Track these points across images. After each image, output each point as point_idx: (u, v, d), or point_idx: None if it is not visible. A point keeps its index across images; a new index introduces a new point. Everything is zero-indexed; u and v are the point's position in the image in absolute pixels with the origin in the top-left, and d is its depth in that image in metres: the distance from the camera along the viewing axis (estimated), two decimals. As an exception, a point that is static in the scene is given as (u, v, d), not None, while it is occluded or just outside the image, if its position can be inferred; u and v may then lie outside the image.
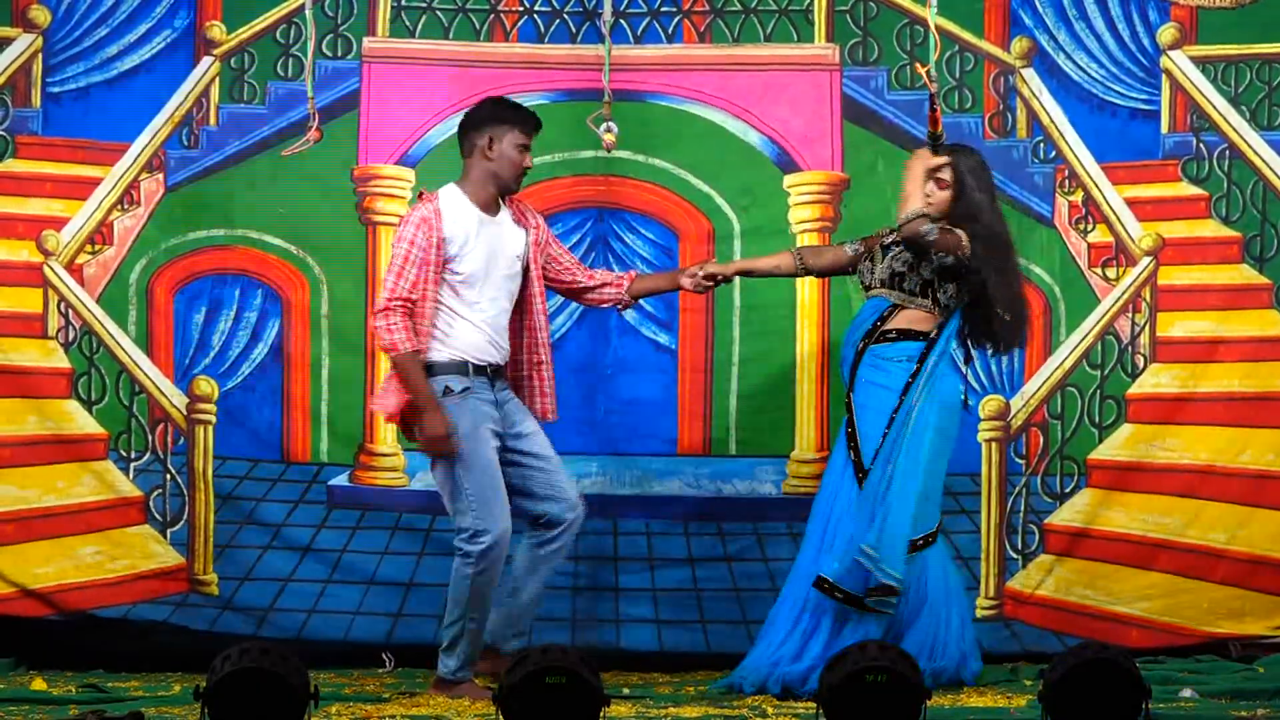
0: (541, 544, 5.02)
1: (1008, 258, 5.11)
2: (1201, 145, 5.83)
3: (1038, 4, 5.85)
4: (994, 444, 5.79)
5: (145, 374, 5.82)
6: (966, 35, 5.84)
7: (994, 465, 5.79)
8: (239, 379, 5.85)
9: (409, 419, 4.98)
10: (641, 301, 5.83)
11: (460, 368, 4.96)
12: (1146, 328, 5.83)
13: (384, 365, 5.81)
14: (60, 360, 5.82)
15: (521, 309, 5.09)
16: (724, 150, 5.84)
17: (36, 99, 5.83)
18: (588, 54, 5.78)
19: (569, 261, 5.24)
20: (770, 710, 4.74)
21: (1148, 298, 5.84)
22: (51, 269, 5.82)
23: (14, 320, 5.81)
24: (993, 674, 5.24)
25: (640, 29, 5.87)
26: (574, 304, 5.84)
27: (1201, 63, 5.82)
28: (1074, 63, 5.86)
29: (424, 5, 5.89)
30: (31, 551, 5.73)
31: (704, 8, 5.87)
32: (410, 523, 5.83)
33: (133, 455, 5.81)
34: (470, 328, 4.98)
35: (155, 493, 5.82)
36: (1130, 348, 5.84)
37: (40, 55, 5.83)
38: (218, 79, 5.86)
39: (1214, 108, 5.81)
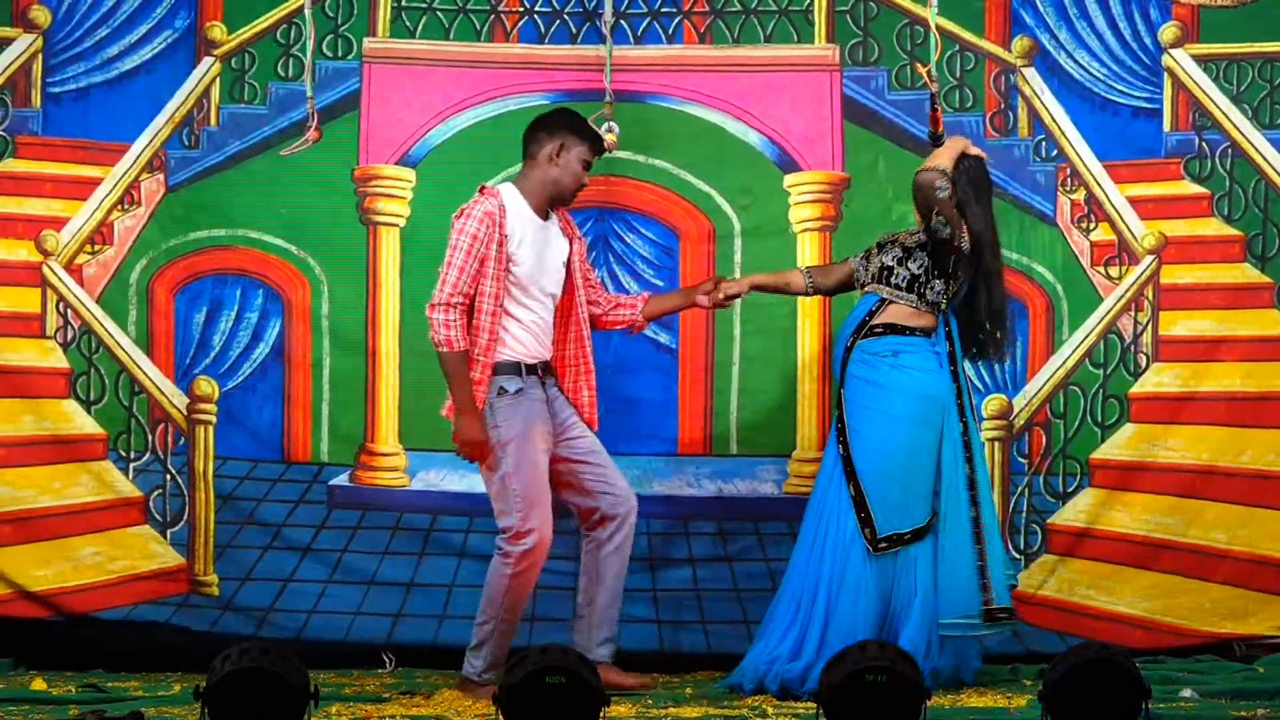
0: (601, 545, 5.04)
1: (992, 268, 5.12)
2: (1203, 144, 5.83)
3: (1039, 3, 5.84)
4: (996, 443, 5.78)
5: (145, 374, 5.82)
6: (967, 35, 5.84)
7: (996, 464, 5.79)
8: (239, 379, 5.85)
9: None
10: (641, 301, 5.86)
11: (514, 368, 4.98)
12: (1149, 327, 5.83)
13: (385, 367, 5.83)
14: (58, 360, 5.82)
15: (566, 320, 5.11)
16: (724, 150, 5.84)
17: (37, 99, 5.83)
18: (588, 54, 5.78)
19: (593, 282, 5.28)
20: (770, 710, 4.73)
21: (1150, 296, 5.83)
22: (50, 269, 5.82)
23: (12, 320, 5.82)
24: (993, 674, 5.23)
25: (640, 29, 5.87)
26: (574, 303, 5.86)
27: (1203, 61, 5.82)
28: (1075, 61, 5.85)
29: (424, 6, 5.89)
30: (30, 553, 5.73)
31: (704, 8, 5.87)
32: (411, 523, 5.82)
33: (132, 455, 5.81)
34: (522, 329, 5.00)
35: (155, 493, 5.82)
36: (1133, 347, 5.83)
37: (40, 55, 5.83)
38: (218, 79, 5.86)
39: (1216, 106, 5.81)
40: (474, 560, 5.79)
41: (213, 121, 5.86)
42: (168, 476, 5.81)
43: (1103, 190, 5.83)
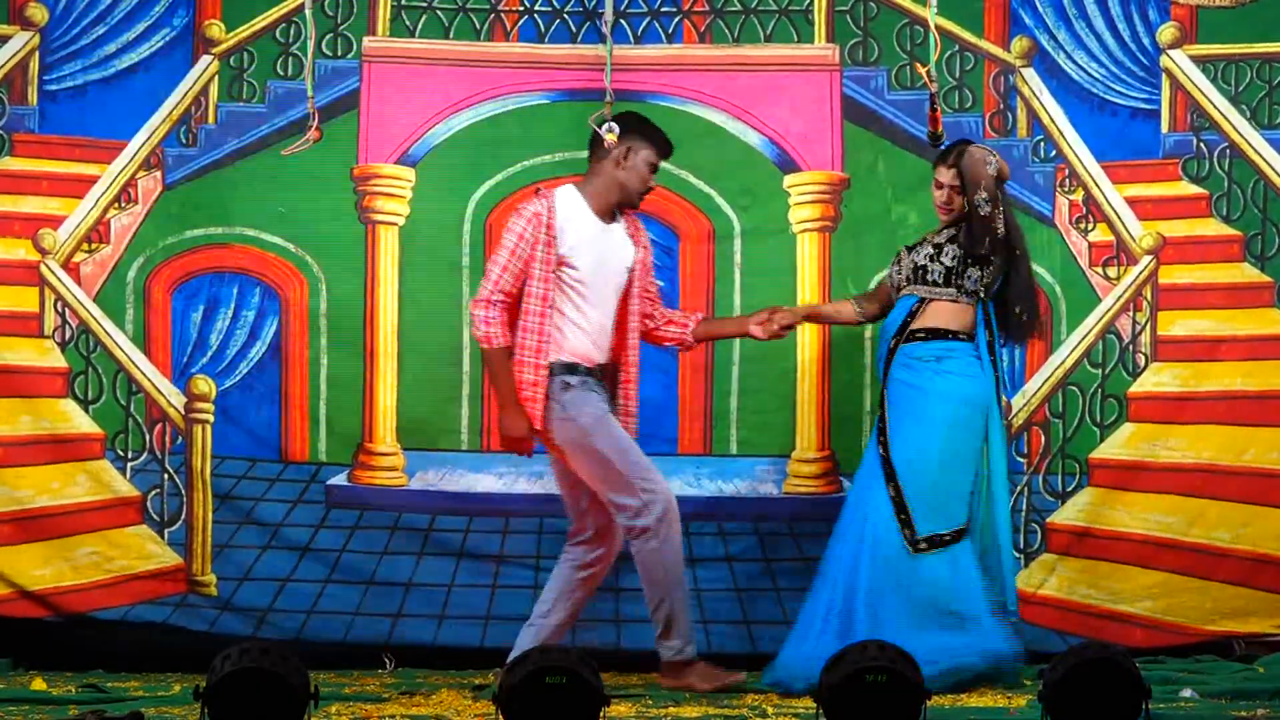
0: (582, 565, 5.06)
1: (1024, 254, 5.21)
2: (1202, 144, 5.83)
3: (1038, 3, 5.85)
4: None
5: (143, 373, 5.81)
6: (966, 35, 5.84)
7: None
8: (237, 378, 5.84)
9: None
10: (642, 301, 5.86)
11: (571, 369, 5.00)
12: (1147, 327, 5.83)
13: (384, 366, 5.83)
14: (56, 359, 5.81)
15: (622, 326, 5.11)
16: (724, 150, 5.84)
17: (33, 97, 5.82)
18: (588, 54, 5.78)
19: (653, 293, 5.27)
20: (770, 710, 4.73)
21: (1149, 297, 5.84)
22: (48, 267, 5.81)
23: (10, 319, 5.80)
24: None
25: (640, 29, 5.87)
26: (574, 302, 5.85)
27: (1201, 62, 5.82)
28: (1074, 62, 5.86)
29: (424, 5, 5.88)
30: (28, 552, 5.71)
31: (704, 8, 5.87)
32: (409, 522, 5.82)
33: (130, 455, 5.80)
34: (580, 332, 5.01)
35: (153, 492, 5.81)
36: (1131, 347, 5.84)
37: (37, 53, 5.82)
38: (216, 77, 5.85)
39: (1214, 107, 5.81)
40: (473, 560, 5.80)
41: (210, 120, 5.85)
42: (165, 476, 5.80)
43: (1101, 191, 5.84)
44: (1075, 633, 5.65)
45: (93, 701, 4.85)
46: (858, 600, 5.03)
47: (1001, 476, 5.16)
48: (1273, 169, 5.81)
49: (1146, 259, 5.84)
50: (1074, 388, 5.84)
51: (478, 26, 5.89)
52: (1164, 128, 5.85)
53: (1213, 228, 5.83)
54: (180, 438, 5.81)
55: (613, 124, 5.17)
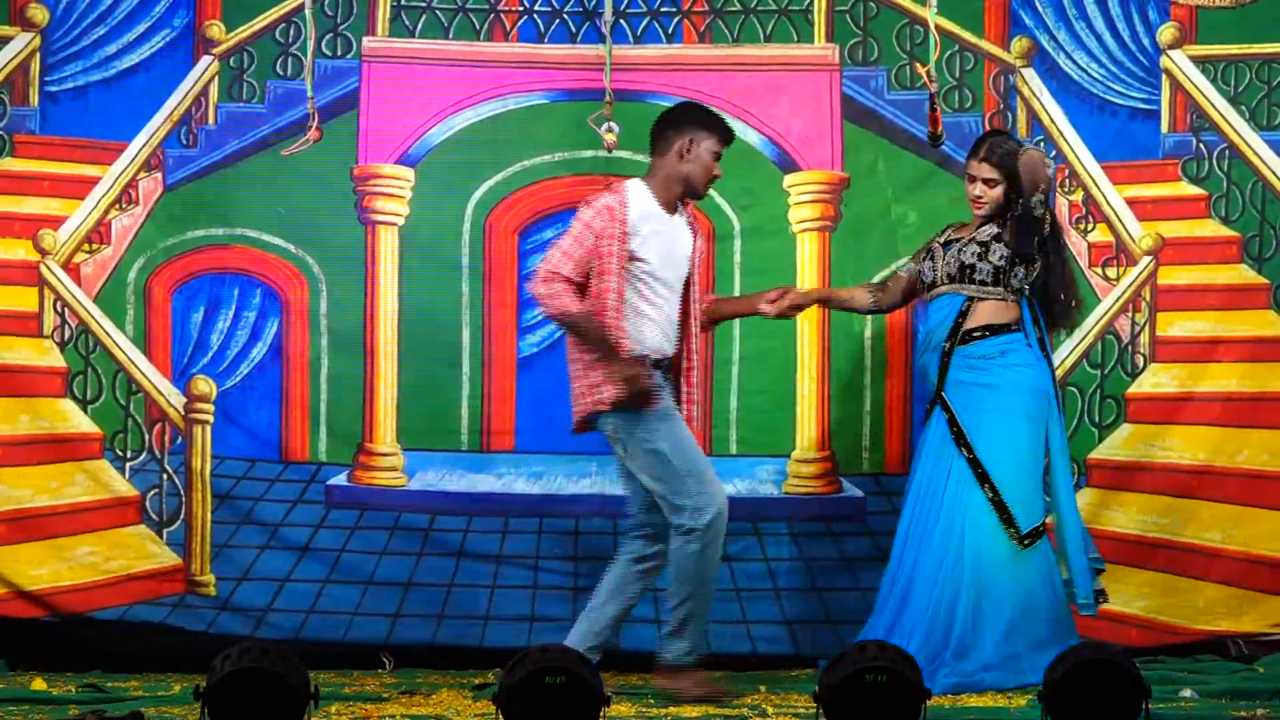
0: (639, 559, 5.03)
1: (1065, 246, 5.27)
2: (1201, 145, 5.84)
3: (1037, 4, 5.85)
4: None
5: (143, 373, 5.81)
6: (966, 35, 5.85)
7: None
8: (237, 378, 5.84)
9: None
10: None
11: (641, 361, 4.96)
12: (1146, 327, 5.84)
13: (384, 366, 5.83)
14: (55, 359, 5.81)
15: (685, 316, 5.08)
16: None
17: (34, 98, 5.82)
18: (587, 54, 5.78)
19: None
20: (770, 710, 4.74)
21: (1147, 297, 5.84)
22: (47, 268, 5.81)
23: (9, 319, 5.80)
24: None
25: (640, 29, 5.87)
26: (573, 302, 5.85)
27: (1201, 62, 5.83)
28: (1074, 62, 5.86)
29: (424, 5, 5.88)
30: (26, 552, 5.71)
31: (704, 8, 5.87)
32: (409, 522, 5.82)
33: (129, 455, 5.80)
34: (649, 324, 4.98)
35: (152, 492, 5.81)
36: (1130, 347, 5.84)
37: (38, 54, 5.82)
38: (217, 78, 5.86)
39: (1214, 107, 5.82)
40: (472, 560, 5.80)
41: (211, 120, 5.85)
42: (164, 476, 5.80)
43: (1100, 191, 5.84)
44: (1072, 632, 5.66)
45: (93, 701, 4.85)
46: (960, 608, 5.00)
47: (1066, 465, 5.18)
48: (1271, 170, 5.81)
49: (1146, 260, 5.85)
50: (1073, 388, 5.84)
51: (477, 26, 5.89)
52: (1163, 128, 5.85)
53: (1211, 229, 5.84)
54: (180, 438, 5.81)
55: (612, 124, 5.18)
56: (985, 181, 5.16)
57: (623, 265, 4.90)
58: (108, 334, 5.81)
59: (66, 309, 5.81)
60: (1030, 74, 5.85)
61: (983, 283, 5.14)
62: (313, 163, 5.72)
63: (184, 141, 5.85)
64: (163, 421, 5.82)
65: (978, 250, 5.16)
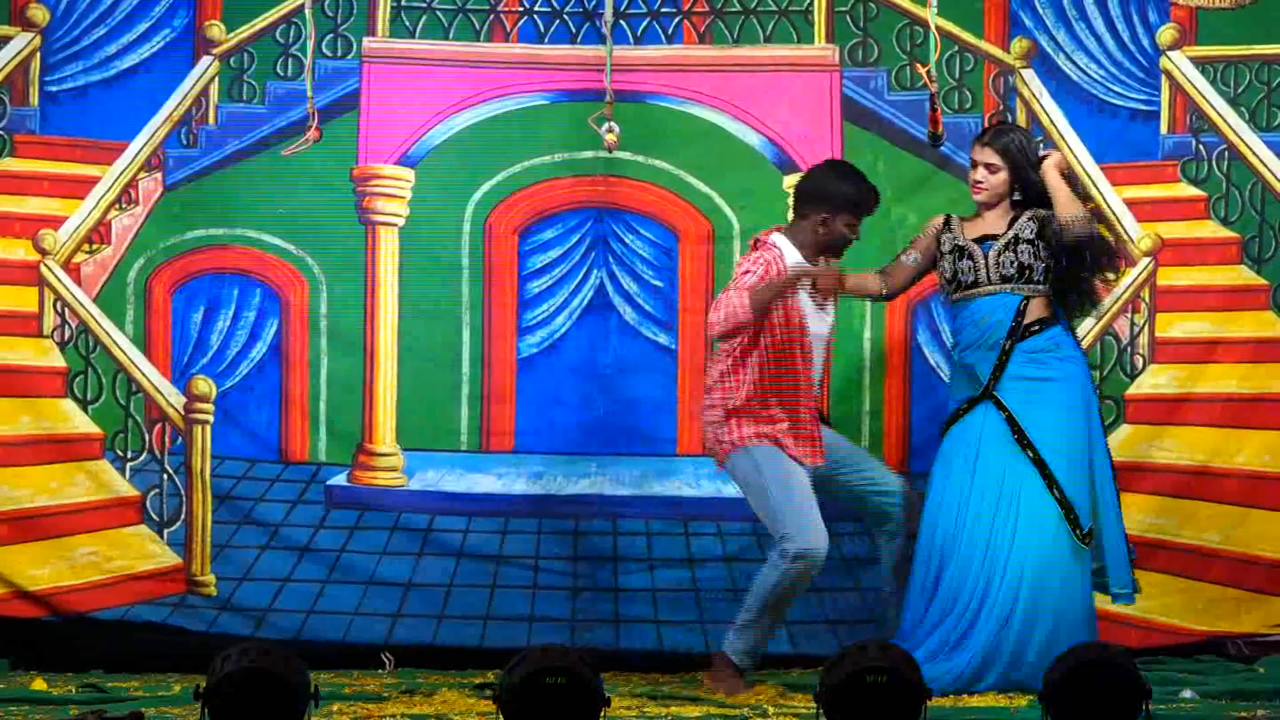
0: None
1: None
2: (1200, 146, 5.84)
3: (1037, 4, 5.86)
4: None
5: (143, 373, 5.81)
6: (966, 36, 5.85)
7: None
8: (237, 378, 5.85)
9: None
10: (641, 302, 5.86)
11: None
12: (1145, 328, 5.84)
13: (384, 366, 5.84)
14: (56, 359, 5.81)
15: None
16: (724, 151, 5.84)
17: (34, 98, 5.82)
18: (587, 54, 5.78)
19: None
20: (771, 710, 4.75)
21: (1147, 298, 5.85)
22: (48, 268, 5.81)
23: (9, 319, 5.80)
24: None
25: (640, 29, 5.87)
26: (574, 303, 5.88)
27: (1201, 63, 5.83)
28: (1073, 63, 5.87)
29: (424, 5, 5.89)
30: (27, 552, 5.71)
31: (704, 8, 5.87)
32: (409, 522, 5.82)
33: (129, 455, 5.80)
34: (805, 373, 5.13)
35: (152, 492, 5.81)
36: (1129, 348, 5.84)
37: (38, 54, 5.82)
38: (217, 78, 5.86)
39: (1213, 108, 5.82)
40: (472, 560, 5.80)
41: (211, 120, 5.85)
42: (165, 476, 5.81)
43: (1100, 192, 5.84)
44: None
45: (93, 701, 4.85)
46: (1017, 610, 4.99)
47: (1105, 450, 5.22)
48: (1271, 171, 5.81)
49: (1145, 261, 5.85)
50: (1072, 389, 5.84)
51: (477, 27, 5.89)
52: (1163, 129, 5.85)
53: (1210, 230, 5.84)
54: (180, 438, 5.81)
55: (613, 124, 5.18)
56: (986, 166, 5.17)
57: (782, 320, 5.06)
58: (108, 334, 5.81)
59: (67, 309, 5.81)
60: (1030, 75, 5.85)
61: (1038, 283, 5.17)
62: (313, 163, 5.72)
63: (184, 141, 5.85)
64: (163, 421, 5.82)
65: (1030, 249, 5.16)
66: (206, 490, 5.79)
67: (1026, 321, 5.16)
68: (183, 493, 5.80)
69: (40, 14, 5.82)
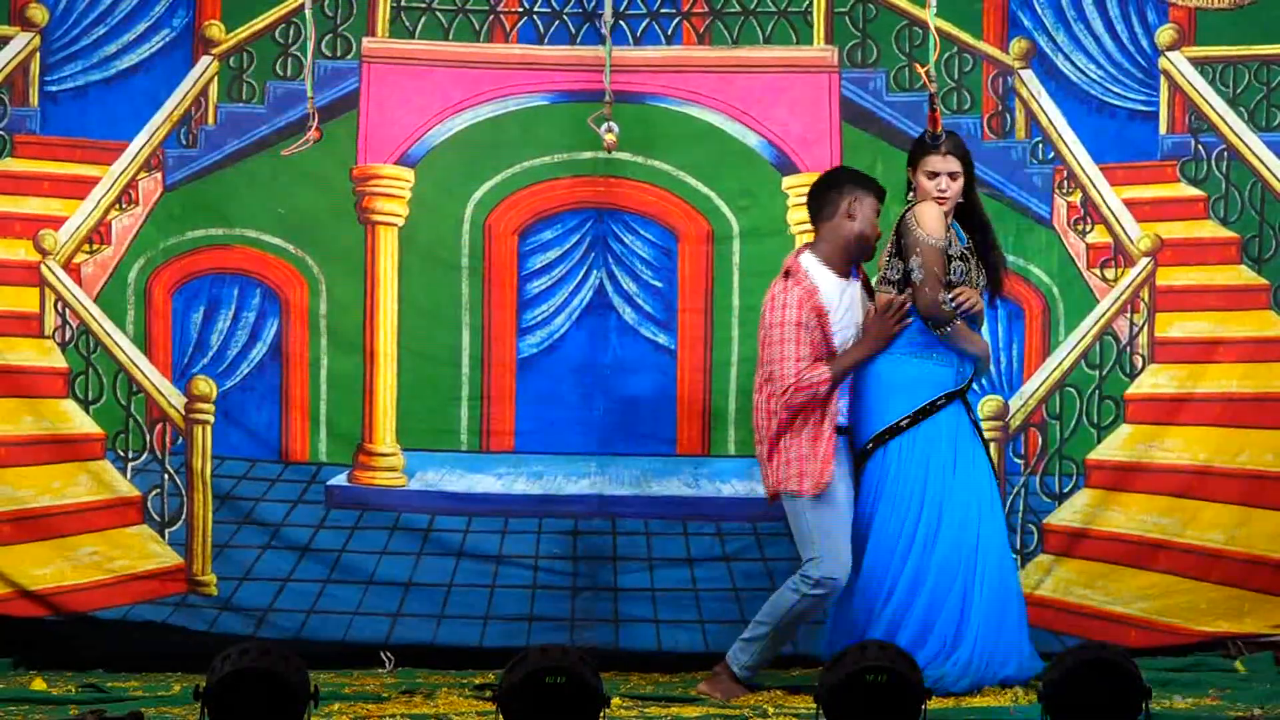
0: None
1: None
2: (1200, 146, 5.84)
3: (1036, 5, 5.86)
4: (993, 444, 5.79)
5: (143, 373, 5.82)
6: (965, 36, 5.85)
7: (993, 465, 5.79)
8: (237, 379, 5.85)
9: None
10: (640, 302, 5.87)
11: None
12: (1145, 328, 5.84)
13: (384, 366, 5.84)
14: (57, 360, 5.82)
15: None
16: (723, 151, 5.84)
17: (34, 98, 5.82)
18: (587, 55, 5.79)
19: None
20: (771, 710, 4.75)
21: (1146, 298, 5.85)
22: (48, 268, 5.82)
23: (10, 320, 5.81)
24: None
25: (640, 30, 5.88)
26: (573, 304, 5.88)
27: (1200, 64, 5.83)
28: (1072, 64, 5.87)
29: (424, 6, 5.89)
30: (29, 552, 5.72)
31: (703, 9, 5.88)
32: (409, 522, 5.83)
33: (130, 455, 5.81)
34: (838, 393, 5.10)
35: (153, 492, 5.82)
36: (1129, 348, 5.85)
37: (38, 54, 5.83)
38: (216, 78, 5.86)
39: (1212, 109, 5.82)
40: (472, 560, 5.81)
41: (211, 120, 5.85)
42: (166, 476, 5.81)
43: (1099, 192, 5.85)
44: (1070, 633, 5.66)
45: (93, 701, 4.86)
46: (971, 613, 5.03)
47: None
48: (1270, 171, 5.82)
49: (1144, 261, 5.85)
50: (1071, 389, 5.85)
51: (477, 28, 5.89)
52: (1162, 129, 5.86)
53: (1210, 230, 5.85)
54: (180, 438, 5.81)
55: (612, 124, 5.19)
56: (950, 175, 5.16)
57: (818, 345, 5.05)
58: (108, 334, 5.81)
59: (68, 309, 5.82)
60: (1029, 75, 5.85)
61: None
62: (313, 163, 5.73)
63: (184, 141, 5.85)
64: (163, 422, 5.83)
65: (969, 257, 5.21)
66: (207, 490, 5.80)
67: None
68: (183, 493, 5.80)
69: (40, 14, 5.83)
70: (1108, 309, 5.84)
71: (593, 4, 5.81)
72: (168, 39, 5.85)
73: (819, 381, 5.01)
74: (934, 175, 5.14)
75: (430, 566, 5.78)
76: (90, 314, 5.82)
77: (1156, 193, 5.86)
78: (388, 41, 5.87)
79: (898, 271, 5.13)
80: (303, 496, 5.82)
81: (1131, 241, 5.85)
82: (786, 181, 5.86)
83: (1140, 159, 5.86)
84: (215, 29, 5.85)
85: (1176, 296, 5.84)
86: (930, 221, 5.07)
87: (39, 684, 5.19)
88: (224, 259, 5.86)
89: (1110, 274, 5.87)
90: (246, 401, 5.83)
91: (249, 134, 5.84)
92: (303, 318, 5.84)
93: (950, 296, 5.07)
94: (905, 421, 5.09)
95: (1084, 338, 5.84)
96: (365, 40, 5.86)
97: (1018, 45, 5.86)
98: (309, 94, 5.41)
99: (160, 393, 5.82)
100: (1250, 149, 5.82)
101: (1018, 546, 5.81)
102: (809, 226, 5.85)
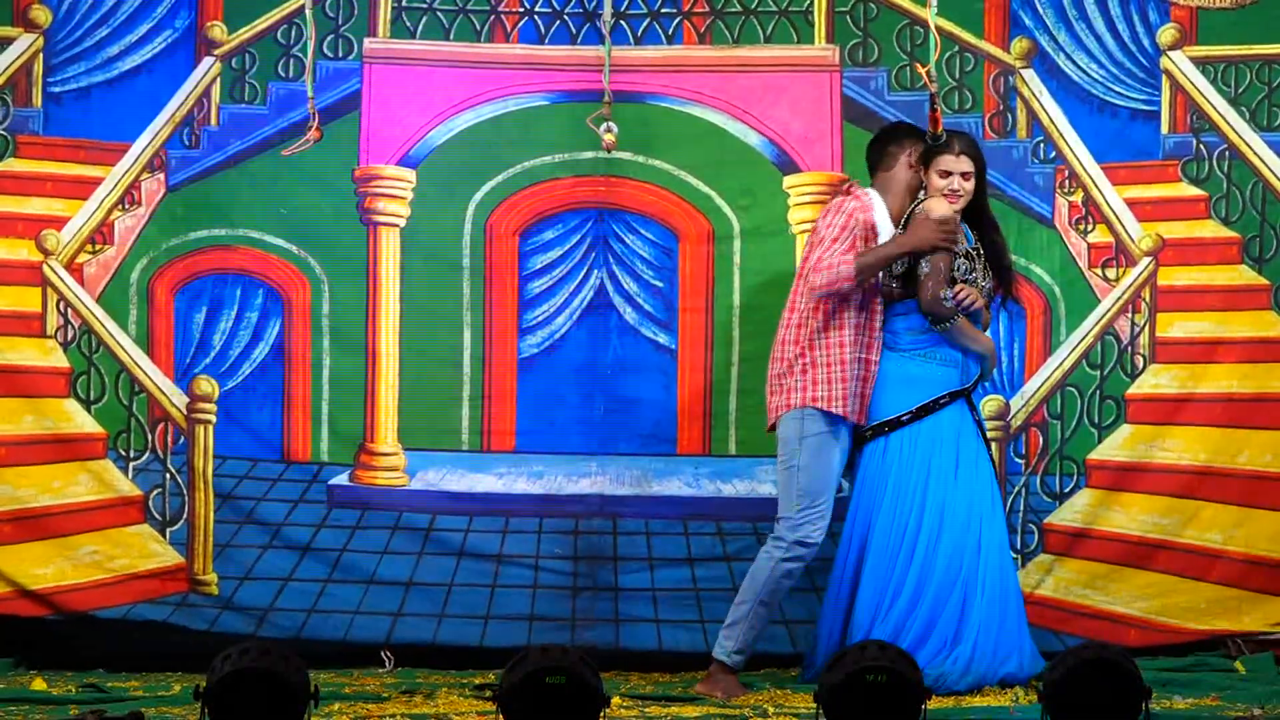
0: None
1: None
2: (1201, 146, 5.84)
3: (1038, 4, 5.86)
4: (994, 444, 5.79)
5: (145, 373, 5.83)
6: (966, 36, 5.85)
7: (994, 465, 5.79)
8: (239, 378, 5.86)
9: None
10: (641, 302, 5.87)
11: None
12: (1146, 328, 5.84)
13: (385, 366, 5.85)
14: (59, 359, 5.83)
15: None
16: (724, 151, 5.84)
17: (37, 98, 5.83)
18: (588, 55, 5.79)
19: None
20: (771, 710, 4.75)
21: (1147, 298, 5.85)
22: (50, 268, 5.83)
23: (12, 319, 5.82)
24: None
25: (640, 30, 5.88)
26: (574, 303, 5.88)
27: (1201, 63, 5.83)
28: (1074, 63, 5.87)
29: (425, 6, 5.89)
30: (29, 551, 5.73)
31: (704, 9, 5.88)
32: (410, 522, 5.83)
33: (132, 455, 5.82)
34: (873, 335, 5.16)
35: (155, 492, 5.82)
36: (1130, 348, 5.84)
37: (41, 55, 5.83)
38: (218, 79, 5.87)
39: (1214, 108, 5.82)
40: (473, 560, 5.81)
41: (213, 121, 5.86)
42: (167, 476, 5.82)
43: (1100, 192, 5.84)
44: (1070, 632, 5.66)
45: (93, 701, 4.86)
46: (972, 612, 5.03)
47: None
48: (1271, 171, 5.81)
49: (1145, 260, 5.85)
50: (1072, 389, 5.85)
51: (478, 28, 5.90)
52: (1163, 129, 5.85)
53: (1211, 229, 5.84)
54: (182, 438, 5.82)
55: (611, 124, 5.19)
56: (963, 175, 5.17)
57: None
58: (111, 334, 5.82)
59: (70, 309, 5.83)
60: (1030, 75, 5.85)
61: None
62: (314, 164, 5.73)
63: (186, 142, 5.86)
64: (165, 421, 5.83)
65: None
66: (209, 490, 5.81)
67: None
68: (185, 492, 5.81)
69: (43, 15, 5.84)
70: (1109, 309, 5.84)
71: (593, 4, 5.81)
72: (170, 40, 5.86)
73: (842, 263, 5.00)
74: (947, 174, 5.16)
75: (431, 566, 5.78)
76: (92, 314, 5.83)
77: (1158, 192, 5.85)
78: (389, 42, 5.88)
79: (903, 265, 5.14)
80: (304, 496, 5.83)
81: (1133, 241, 5.85)
82: (787, 181, 5.86)
83: (1142, 158, 5.86)
84: (217, 30, 5.86)
85: (1178, 296, 5.83)
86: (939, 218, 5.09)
87: (39, 684, 5.19)
88: (226, 259, 5.86)
89: (1111, 274, 5.86)
90: (248, 401, 5.84)
91: (251, 135, 5.85)
92: (305, 318, 5.85)
93: (952, 294, 5.08)
94: (907, 416, 5.11)
95: (1085, 337, 5.84)
96: (366, 41, 5.87)
97: (1019, 44, 5.86)
98: (310, 94, 5.41)
99: (162, 392, 5.83)
100: (1251, 149, 5.81)
101: (1018, 546, 5.81)
102: (810, 225, 5.87)
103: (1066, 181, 5.86)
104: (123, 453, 5.82)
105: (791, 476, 5.09)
